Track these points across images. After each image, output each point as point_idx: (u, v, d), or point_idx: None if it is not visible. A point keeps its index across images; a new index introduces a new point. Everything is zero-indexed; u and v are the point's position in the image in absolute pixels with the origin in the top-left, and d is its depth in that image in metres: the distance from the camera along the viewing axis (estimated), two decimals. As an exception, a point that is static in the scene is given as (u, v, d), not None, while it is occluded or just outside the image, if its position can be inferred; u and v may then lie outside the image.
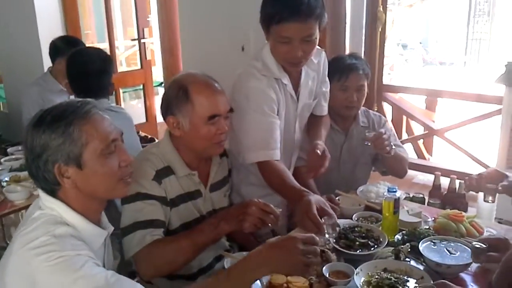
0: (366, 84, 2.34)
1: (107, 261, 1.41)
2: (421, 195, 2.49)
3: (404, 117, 4.66)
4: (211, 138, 1.72)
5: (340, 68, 2.29)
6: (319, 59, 2.09)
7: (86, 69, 2.37)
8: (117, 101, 4.99)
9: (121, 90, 5.06)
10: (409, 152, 4.66)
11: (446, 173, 3.72)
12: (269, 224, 1.60)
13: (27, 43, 4.36)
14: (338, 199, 2.10)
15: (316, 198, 1.68)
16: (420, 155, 4.72)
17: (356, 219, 1.95)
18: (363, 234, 1.79)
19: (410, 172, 4.44)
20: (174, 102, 1.70)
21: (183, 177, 1.77)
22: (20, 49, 4.50)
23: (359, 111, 2.43)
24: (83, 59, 2.41)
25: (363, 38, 3.19)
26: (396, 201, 1.82)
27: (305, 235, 1.33)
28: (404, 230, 1.84)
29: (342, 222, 1.89)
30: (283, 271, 1.29)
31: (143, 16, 5.04)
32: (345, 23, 3.12)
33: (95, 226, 1.32)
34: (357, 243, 1.73)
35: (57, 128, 1.23)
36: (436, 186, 2.52)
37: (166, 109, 1.73)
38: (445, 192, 2.46)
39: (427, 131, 4.34)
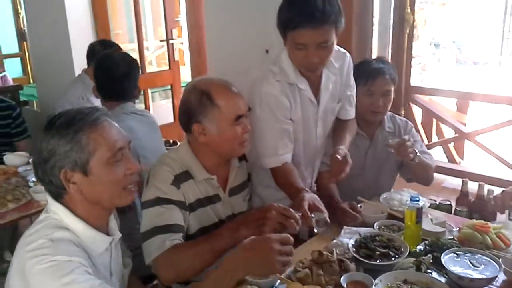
0: (392, 89, 2.28)
1: (113, 267, 1.42)
2: (448, 202, 2.42)
3: (434, 120, 4.55)
4: (238, 139, 1.74)
5: (366, 72, 2.25)
6: (342, 62, 2.06)
7: (112, 74, 2.43)
8: (146, 101, 5.03)
9: (149, 91, 5.09)
10: (439, 155, 4.62)
11: (477, 178, 3.61)
12: (288, 229, 1.57)
13: (58, 44, 4.44)
14: (360, 207, 2.07)
15: (310, 195, 1.73)
16: (450, 159, 4.60)
17: (377, 227, 1.92)
18: (384, 244, 1.75)
19: (440, 176, 4.36)
20: (198, 109, 1.70)
21: (201, 182, 1.78)
22: (51, 50, 4.58)
23: (385, 116, 2.38)
24: (108, 64, 2.46)
25: (390, 39, 3.13)
26: (419, 210, 1.78)
27: (280, 235, 1.33)
28: (427, 240, 1.79)
29: (363, 230, 1.86)
30: (259, 272, 1.30)
31: (171, 17, 5.06)
32: (372, 24, 3.07)
33: (98, 232, 1.34)
34: (377, 252, 1.70)
35: (65, 135, 1.25)
36: (463, 193, 2.44)
37: (189, 118, 1.72)
38: (473, 199, 2.39)
39: (457, 134, 4.22)
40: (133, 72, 2.49)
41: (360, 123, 2.34)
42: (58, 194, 1.30)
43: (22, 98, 4.67)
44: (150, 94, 5.11)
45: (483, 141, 4.16)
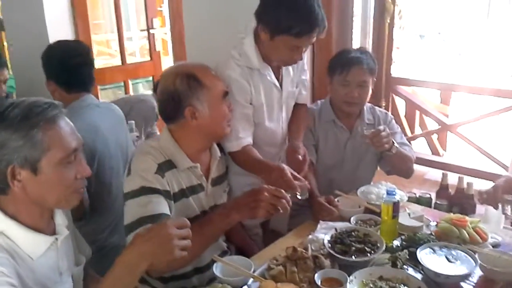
0: (370, 80, 2.23)
1: (62, 266, 1.34)
2: (428, 195, 2.39)
3: (417, 112, 4.54)
4: (227, 116, 1.79)
5: (342, 62, 2.21)
6: None
7: (72, 61, 2.24)
8: (126, 92, 4.94)
9: (130, 82, 5.00)
10: (422, 147, 4.61)
11: (459, 170, 3.63)
12: (280, 210, 1.57)
13: (35, 34, 4.31)
14: (338, 200, 2.03)
15: (286, 166, 1.78)
16: (434, 151, 4.60)
17: (354, 222, 1.88)
18: (360, 239, 1.72)
19: (422, 168, 4.36)
20: (187, 93, 1.69)
21: (185, 171, 1.75)
22: (28, 39, 4.46)
23: (365, 108, 2.34)
24: (66, 51, 2.30)
25: (371, 30, 3.08)
26: (395, 204, 1.74)
27: (176, 220, 1.29)
28: (404, 235, 1.76)
29: (339, 225, 1.83)
30: (160, 259, 1.22)
31: (152, 6, 4.97)
32: (353, 14, 3.02)
33: (35, 233, 1.25)
34: (353, 248, 1.67)
35: (19, 128, 1.17)
36: (443, 186, 2.41)
37: (179, 103, 1.70)
38: (453, 192, 2.37)
39: (439, 126, 4.21)
40: (90, 61, 2.33)
41: (338, 114, 2.30)
42: None
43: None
44: (131, 86, 5.01)
45: (466, 132, 4.16)
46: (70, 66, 2.23)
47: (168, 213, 1.66)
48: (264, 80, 2.00)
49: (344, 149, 2.33)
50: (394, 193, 1.76)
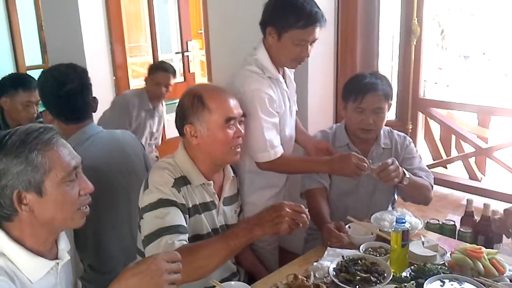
0: (386, 106, 2.17)
1: None
2: (452, 223, 2.28)
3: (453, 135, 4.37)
4: (229, 142, 1.78)
5: (356, 88, 2.16)
6: None
7: (63, 90, 2.00)
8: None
9: (164, 103, 5.09)
10: (460, 171, 4.43)
11: (498, 196, 3.45)
12: (301, 225, 1.57)
13: (74, 57, 4.49)
14: (349, 227, 1.97)
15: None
16: (472, 175, 4.41)
17: (363, 249, 1.81)
18: (366, 268, 1.65)
19: (459, 194, 4.18)
20: (190, 111, 1.75)
21: (198, 187, 1.79)
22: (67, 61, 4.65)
23: (382, 132, 2.27)
24: (57, 78, 2.03)
25: (397, 51, 3.02)
26: (405, 232, 1.67)
27: (168, 254, 1.27)
28: (415, 265, 1.68)
29: (346, 252, 1.77)
30: None
31: (187, 30, 5.09)
32: (378, 36, 2.98)
33: (37, 257, 1.27)
34: (358, 277, 1.60)
35: (19, 154, 1.20)
36: (468, 213, 2.30)
37: (182, 119, 1.77)
38: (478, 220, 2.25)
39: (474, 150, 4.04)
40: (85, 87, 2.07)
41: (353, 139, 2.24)
42: (5, 217, 1.25)
43: (41, 109, 4.74)
44: (165, 106, 5.10)
45: (506, 157, 3.96)
46: (61, 96, 2.00)
47: (185, 225, 1.69)
48: (281, 88, 2.14)
49: (359, 175, 2.26)
50: (403, 220, 1.69)
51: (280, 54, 2.06)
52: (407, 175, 2.01)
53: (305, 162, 2.18)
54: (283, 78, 2.18)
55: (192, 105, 1.74)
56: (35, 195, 1.23)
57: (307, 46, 2.03)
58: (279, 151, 2.08)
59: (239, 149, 1.82)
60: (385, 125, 2.28)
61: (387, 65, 3.23)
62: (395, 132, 2.33)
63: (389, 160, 1.97)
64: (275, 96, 2.07)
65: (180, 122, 1.78)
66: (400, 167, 1.98)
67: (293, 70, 2.32)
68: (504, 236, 2.12)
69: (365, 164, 1.92)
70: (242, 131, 1.82)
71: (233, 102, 1.80)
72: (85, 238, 2.03)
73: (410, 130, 3.05)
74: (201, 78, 6.65)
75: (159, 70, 3.74)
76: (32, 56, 6.49)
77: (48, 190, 1.23)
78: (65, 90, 2.00)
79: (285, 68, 2.21)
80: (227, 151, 1.79)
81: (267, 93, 2.03)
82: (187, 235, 1.67)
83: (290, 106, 2.24)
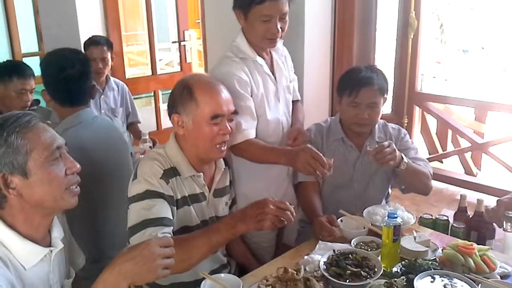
0: (381, 100, 2.15)
1: (52, 278, 1.35)
2: (445, 218, 2.27)
3: (450, 130, 4.36)
4: (213, 139, 1.73)
5: (351, 82, 2.14)
6: (282, 49, 2.29)
7: (66, 73, 2.05)
8: (156, 103, 5.06)
9: (160, 92, 5.09)
10: (456, 166, 4.43)
11: (492, 191, 3.45)
12: (285, 222, 1.58)
13: (69, 45, 4.46)
14: (341, 220, 1.96)
15: (308, 147, 1.88)
16: (467, 170, 4.41)
17: (354, 244, 1.80)
18: (357, 262, 1.64)
19: (454, 188, 4.19)
20: (179, 101, 1.73)
21: (188, 179, 1.77)
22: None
23: (377, 125, 2.25)
24: (61, 61, 2.07)
25: (394, 44, 3.00)
26: (396, 227, 1.66)
27: (161, 239, 1.28)
28: (406, 260, 1.68)
29: (338, 246, 1.76)
30: (142, 279, 1.21)
31: (184, 19, 5.05)
32: (375, 29, 2.96)
33: (32, 243, 1.27)
34: (348, 272, 1.60)
35: None
36: (461, 209, 2.28)
37: (171, 107, 1.76)
38: (471, 215, 2.25)
39: (470, 145, 4.03)
40: (86, 73, 2.12)
41: (348, 132, 2.23)
42: None
43: (35, 97, 4.72)
44: (161, 95, 5.09)
45: (502, 153, 3.96)
46: (60, 79, 2.05)
47: (171, 217, 1.68)
48: (259, 71, 2.09)
49: (353, 168, 2.24)
50: (395, 215, 1.68)
51: (252, 34, 2.05)
52: (405, 160, 2.01)
53: (265, 150, 2.03)
54: (271, 62, 2.16)
55: (181, 94, 1.73)
56: (21, 177, 1.23)
57: (275, 22, 1.98)
58: (247, 135, 2.01)
59: (224, 147, 1.78)
60: (380, 119, 2.26)
61: (384, 58, 3.20)
62: (390, 125, 2.31)
63: (386, 143, 1.96)
64: (246, 78, 2.02)
65: (169, 111, 1.77)
66: (397, 151, 1.98)
67: (289, 58, 2.32)
68: (496, 232, 2.12)
69: (318, 162, 1.81)
70: (229, 128, 1.76)
71: (224, 99, 1.75)
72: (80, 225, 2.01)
73: (405, 124, 3.05)
74: (198, 68, 6.62)
75: (90, 45, 3.41)
76: (28, 44, 6.45)
77: (33, 171, 1.23)
78: (64, 74, 2.04)
79: (274, 52, 2.19)
80: (210, 147, 1.75)
81: (236, 75, 2.00)
82: (172, 228, 1.65)
83: (277, 91, 2.17)
